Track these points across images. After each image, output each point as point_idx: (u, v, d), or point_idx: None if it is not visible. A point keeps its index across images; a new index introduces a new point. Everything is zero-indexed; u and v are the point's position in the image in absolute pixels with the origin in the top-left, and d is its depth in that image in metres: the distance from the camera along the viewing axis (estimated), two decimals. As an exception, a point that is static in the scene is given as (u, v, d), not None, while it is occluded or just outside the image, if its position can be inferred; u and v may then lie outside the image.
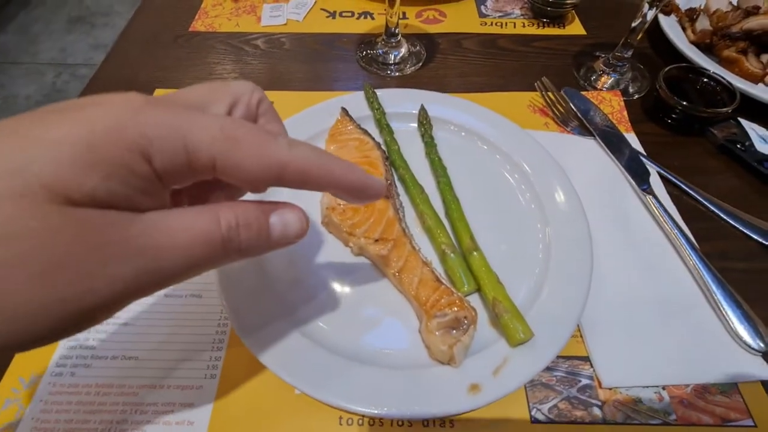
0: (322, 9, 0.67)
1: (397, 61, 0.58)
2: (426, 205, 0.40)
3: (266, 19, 0.65)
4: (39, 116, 0.17)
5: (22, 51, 2.62)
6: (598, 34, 0.64)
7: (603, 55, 0.57)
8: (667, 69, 0.51)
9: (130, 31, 0.62)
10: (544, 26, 0.65)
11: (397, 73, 0.57)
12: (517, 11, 0.67)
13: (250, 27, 0.64)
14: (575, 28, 0.65)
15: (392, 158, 0.44)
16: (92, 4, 2.91)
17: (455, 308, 0.32)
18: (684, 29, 0.58)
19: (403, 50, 0.59)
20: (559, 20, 0.65)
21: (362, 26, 0.65)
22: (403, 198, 0.42)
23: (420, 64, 0.58)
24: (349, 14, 0.66)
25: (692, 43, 0.57)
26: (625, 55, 0.54)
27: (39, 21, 2.79)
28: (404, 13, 0.66)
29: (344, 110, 0.46)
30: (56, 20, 2.79)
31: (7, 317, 0.15)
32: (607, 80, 0.56)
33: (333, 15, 0.66)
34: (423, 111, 0.47)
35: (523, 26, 0.65)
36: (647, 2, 0.48)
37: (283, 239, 0.21)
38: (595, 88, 0.55)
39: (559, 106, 0.53)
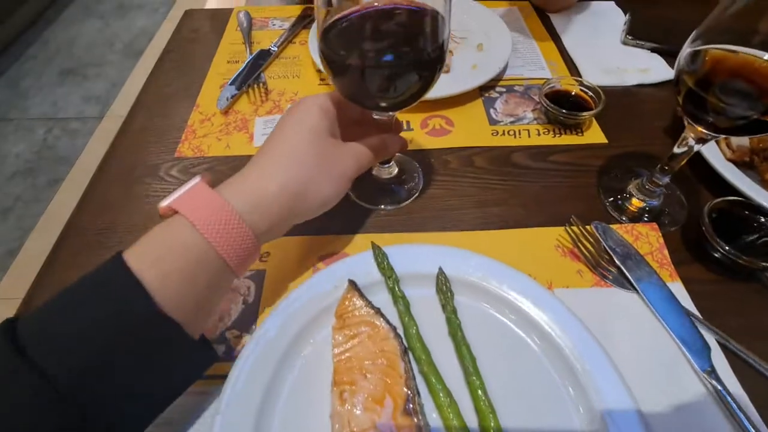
0: (319, 121, 0.62)
1: (394, 189, 0.53)
2: (458, 419, 0.33)
3: (259, 138, 0.60)
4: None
5: (12, 106, 2.58)
6: (620, 142, 0.58)
7: (634, 179, 0.52)
8: (714, 202, 0.46)
9: (107, 165, 0.57)
10: (560, 134, 0.60)
11: (390, 208, 0.51)
12: (530, 114, 0.62)
13: (242, 148, 0.58)
14: (595, 134, 0.60)
15: (411, 346, 0.38)
16: (84, 55, 2.89)
17: None
18: (717, 143, 0.53)
19: (399, 174, 0.53)
20: (576, 127, 0.60)
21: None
22: (425, 397, 0.36)
23: (417, 193, 0.52)
24: (349, 127, 0.61)
25: (729, 160, 0.52)
26: (662, 182, 0.49)
27: (29, 75, 2.77)
28: (408, 123, 0.61)
29: (352, 284, 0.40)
30: (47, 73, 2.77)
31: (320, 201, 0.39)
32: (640, 207, 0.50)
33: (331, 128, 0.61)
34: (442, 276, 0.41)
35: (538, 134, 0.60)
36: (693, 138, 0.42)
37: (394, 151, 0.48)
38: (627, 219, 0.50)
39: (589, 246, 0.47)
